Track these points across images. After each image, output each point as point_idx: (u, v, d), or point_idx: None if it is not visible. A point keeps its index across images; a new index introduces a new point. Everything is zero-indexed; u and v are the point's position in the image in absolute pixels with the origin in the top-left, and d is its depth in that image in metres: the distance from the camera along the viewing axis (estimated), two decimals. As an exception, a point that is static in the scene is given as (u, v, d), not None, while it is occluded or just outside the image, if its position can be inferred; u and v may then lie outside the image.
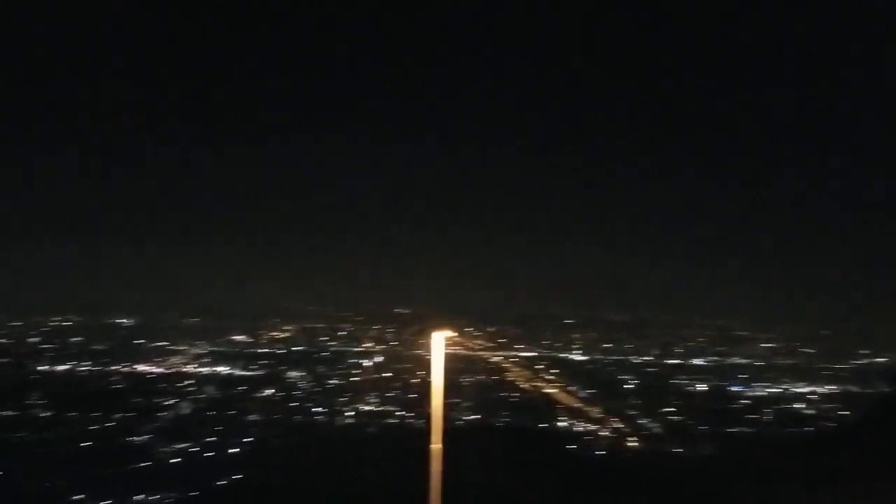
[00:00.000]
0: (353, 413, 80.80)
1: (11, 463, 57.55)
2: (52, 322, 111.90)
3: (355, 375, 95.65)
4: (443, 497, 9.80)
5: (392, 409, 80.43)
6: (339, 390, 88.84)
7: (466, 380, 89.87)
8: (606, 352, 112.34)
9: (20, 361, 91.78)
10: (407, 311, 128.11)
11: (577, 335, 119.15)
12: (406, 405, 79.63)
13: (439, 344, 10.24)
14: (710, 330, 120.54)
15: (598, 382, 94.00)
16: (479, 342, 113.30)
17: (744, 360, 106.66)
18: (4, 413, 72.68)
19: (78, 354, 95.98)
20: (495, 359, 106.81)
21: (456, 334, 10.51)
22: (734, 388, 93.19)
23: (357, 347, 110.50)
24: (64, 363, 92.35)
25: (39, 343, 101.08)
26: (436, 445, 10.07)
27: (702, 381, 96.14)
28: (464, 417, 75.23)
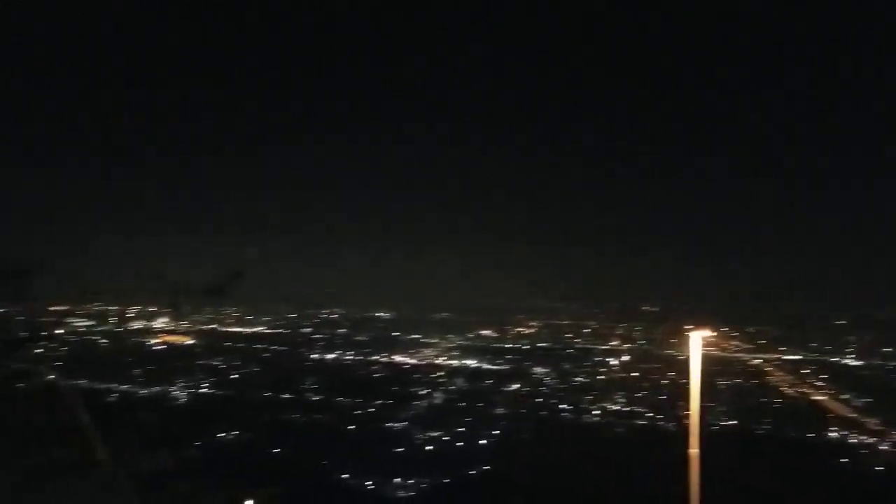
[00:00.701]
0: (599, 412, 79.43)
1: (289, 441, 63.58)
2: (321, 315, 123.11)
3: (601, 373, 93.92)
4: (702, 506, 8.98)
5: (640, 409, 77.76)
6: (584, 388, 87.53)
7: (723, 383, 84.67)
8: (887, 356, 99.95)
9: (295, 350, 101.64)
10: (655, 310, 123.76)
11: (852, 338, 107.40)
12: (655, 407, 76.64)
13: (697, 344, 9.36)
14: None
15: (877, 390, 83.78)
16: (736, 342, 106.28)
17: None
18: (284, 396, 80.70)
19: (343, 345, 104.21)
20: (755, 361, 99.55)
21: (713, 334, 9.56)
22: None
23: (603, 345, 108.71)
24: (332, 352, 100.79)
25: (311, 333, 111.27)
26: (694, 450, 9.24)
27: None
28: (720, 423, 71.01)
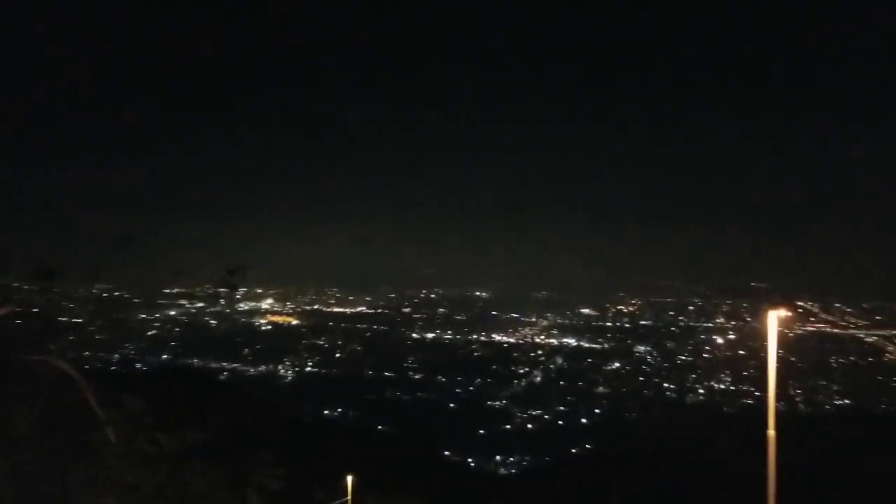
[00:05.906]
0: (704, 391, 77.90)
1: (390, 419, 65.18)
2: (421, 294, 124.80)
3: (706, 352, 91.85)
4: (779, 486, 8.90)
5: (748, 388, 75.60)
6: (689, 367, 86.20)
7: (836, 361, 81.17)
8: None
9: (396, 329, 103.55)
10: (763, 286, 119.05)
11: None
12: (763, 386, 74.43)
13: (774, 324, 9.22)
14: None
15: None
16: (852, 319, 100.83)
17: None
18: (387, 374, 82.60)
19: (442, 324, 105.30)
20: (871, 339, 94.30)
21: (791, 313, 9.40)
22: None
23: (708, 323, 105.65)
24: (431, 331, 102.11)
25: (411, 313, 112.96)
26: (771, 432, 9.16)
27: None
28: (834, 402, 68.41)
